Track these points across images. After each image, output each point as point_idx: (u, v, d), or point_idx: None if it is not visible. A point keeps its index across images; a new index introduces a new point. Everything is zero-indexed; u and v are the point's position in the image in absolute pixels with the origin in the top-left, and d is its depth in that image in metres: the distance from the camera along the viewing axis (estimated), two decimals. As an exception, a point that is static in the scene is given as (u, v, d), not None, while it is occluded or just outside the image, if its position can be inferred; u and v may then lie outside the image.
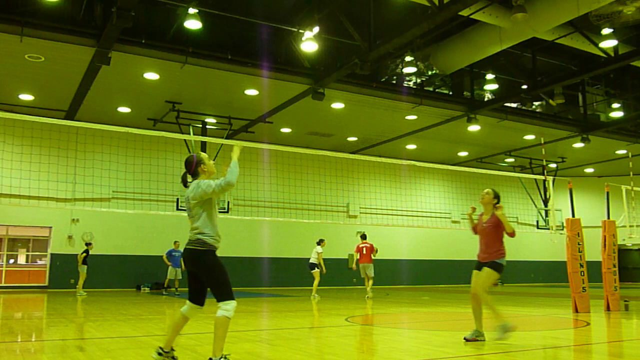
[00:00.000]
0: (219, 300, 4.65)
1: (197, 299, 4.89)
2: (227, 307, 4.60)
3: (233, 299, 4.66)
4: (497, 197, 6.75)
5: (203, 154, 5.05)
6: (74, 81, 15.90)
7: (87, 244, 17.60)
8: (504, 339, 6.15)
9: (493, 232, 6.53)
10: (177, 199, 18.03)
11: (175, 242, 18.39)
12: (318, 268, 16.43)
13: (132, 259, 20.51)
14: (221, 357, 4.56)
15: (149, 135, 13.11)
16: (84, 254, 17.26)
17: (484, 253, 6.57)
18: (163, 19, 14.52)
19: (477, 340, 6.38)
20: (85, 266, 17.27)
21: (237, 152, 4.89)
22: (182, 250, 15.59)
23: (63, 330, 7.79)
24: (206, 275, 4.71)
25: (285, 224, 21.71)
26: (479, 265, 6.59)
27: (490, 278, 6.41)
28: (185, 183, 5.00)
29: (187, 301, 4.91)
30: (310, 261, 16.43)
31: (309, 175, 20.63)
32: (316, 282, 16.51)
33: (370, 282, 16.31)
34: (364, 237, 16.83)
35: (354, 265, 16.65)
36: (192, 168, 4.94)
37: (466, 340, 6.40)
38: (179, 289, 18.27)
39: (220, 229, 4.86)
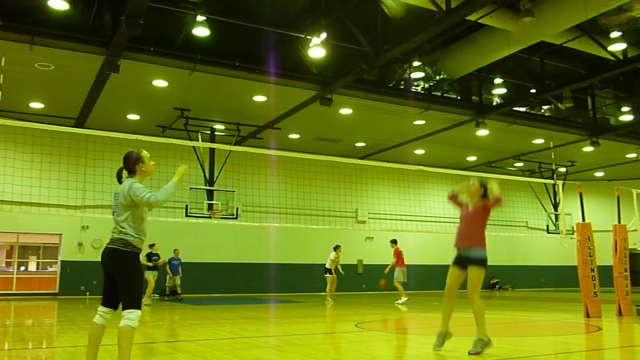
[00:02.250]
0: (125, 308, 4.43)
1: (112, 301, 4.64)
2: (132, 317, 4.40)
3: (140, 308, 4.46)
4: (483, 186, 6.37)
5: (144, 152, 4.88)
6: (83, 89, 16.01)
7: (151, 246, 16.64)
8: (476, 353, 5.81)
9: (476, 219, 6.21)
10: (186, 206, 18.08)
11: (175, 250, 18.73)
12: (330, 273, 16.66)
13: (142, 266, 20.55)
14: None
15: (157, 142, 13.07)
16: (155, 258, 16.47)
17: (464, 236, 6.21)
18: (171, 26, 14.60)
19: (443, 345, 6.14)
20: (155, 272, 16.47)
21: (179, 174, 4.77)
22: (180, 258, 15.53)
23: (74, 337, 7.82)
24: (122, 278, 4.48)
25: (293, 229, 21.71)
26: (460, 259, 6.22)
27: (480, 279, 6.10)
28: (119, 179, 4.80)
29: (100, 307, 4.66)
30: (325, 266, 16.89)
31: (318, 181, 20.63)
32: (328, 287, 16.65)
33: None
34: (395, 242, 17.22)
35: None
36: (130, 164, 4.79)
37: (436, 348, 6.12)
38: (181, 294, 18.70)
39: (146, 229, 4.69)
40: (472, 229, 6.21)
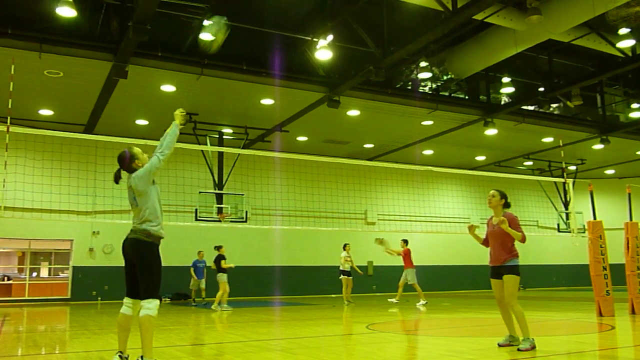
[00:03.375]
0: (144, 297, 4.53)
1: (136, 291, 4.73)
2: (151, 306, 4.52)
3: (159, 298, 4.61)
4: (504, 197, 6.61)
5: (136, 148, 5.00)
6: (92, 95, 16.11)
7: (218, 248, 15.80)
8: (523, 351, 6.04)
9: (503, 233, 6.43)
10: (196, 210, 18.11)
11: (199, 252, 18.13)
12: (345, 275, 16.72)
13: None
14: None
15: (166, 147, 13.20)
16: (222, 260, 15.54)
17: (497, 256, 6.49)
18: (178, 31, 14.66)
19: (512, 345, 6.34)
20: (225, 274, 15.42)
21: (179, 117, 4.86)
22: (205, 260, 15.24)
23: (86, 342, 7.86)
24: (143, 268, 4.58)
25: (303, 232, 21.73)
26: (494, 272, 6.54)
27: (515, 285, 6.39)
28: (117, 179, 4.94)
29: (125, 298, 4.74)
30: (340, 268, 17.06)
31: (326, 183, 20.65)
32: (344, 288, 16.59)
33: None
34: (406, 241, 16.91)
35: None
36: (126, 163, 4.91)
37: (500, 345, 6.37)
38: (205, 298, 18.20)
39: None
40: (503, 244, 6.50)
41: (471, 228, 6.78)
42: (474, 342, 7.18)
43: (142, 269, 4.59)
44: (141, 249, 4.60)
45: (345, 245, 17.10)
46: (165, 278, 18.29)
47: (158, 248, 4.65)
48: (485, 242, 6.81)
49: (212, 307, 15.11)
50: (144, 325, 4.47)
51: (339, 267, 17.20)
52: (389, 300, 16.94)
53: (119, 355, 4.69)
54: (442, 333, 9.00)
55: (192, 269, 17.88)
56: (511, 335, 6.46)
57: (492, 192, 6.69)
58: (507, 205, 6.62)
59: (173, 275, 20.66)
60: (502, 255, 6.42)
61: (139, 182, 4.65)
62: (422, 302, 15.75)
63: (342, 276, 17.04)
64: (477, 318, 11.09)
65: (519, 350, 6.07)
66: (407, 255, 16.54)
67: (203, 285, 18.00)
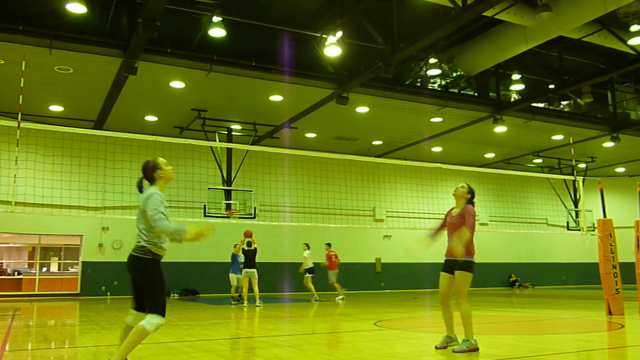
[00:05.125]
0: (149, 312, 4.51)
1: (142, 305, 4.70)
2: (152, 321, 4.45)
3: (163, 315, 4.52)
4: (471, 192, 6.40)
5: (160, 159, 4.92)
6: (102, 91, 16.18)
7: (249, 244, 15.29)
8: (458, 352, 5.82)
9: (460, 225, 6.17)
10: (205, 206, 18.17)
11: (235, 245, 16.53)
12: (309, 273, 17.37)
13: (161, 265, 20.67)
14: None
15: (175, 143, 13.20)
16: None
17: (453, 248, 6.17)
18: (188, 28, 14.69)
19: (449, 346, 6.13)
20: (254, 270, 15.03)
21: (195, 234, 4.65)
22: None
23: (95, 337, 7.91)
24: (143, 285, 4.58)
25: (311, 229, 21.73)
26: (447, 265, 6.28)
27: (466, 283, 6.12)
28: (140, 189, 4.84)
29: (130, 309, 4.73)
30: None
31: (335, 180, 20.64)
32: (310, 285, 17.25)
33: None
34: (329, 245, 17.93)
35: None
36: (148, 173, 4.84)
37: (437, 348, 6.14)
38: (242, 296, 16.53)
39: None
40: (460, 238, 6.12)
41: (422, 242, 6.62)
42: (481, 339, 7.16)
43: (143, 286, 4.61)
44: (139, 266, 4.57)
45: (306, 245, 17.67)
46: (173, 274, 18.48)
47: (157, 264, 4.61)
48: (434, 232, 6.60)
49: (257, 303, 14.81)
50: (135, 331, 4.43)
51: (301, 264, 17.53)
52: (337, 300, 17.06)
53: None
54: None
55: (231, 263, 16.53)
56: (449, 336, 6.25)
57: (462, 184, 6.51)
58: (471, 201, 6.37)
59: (182, 272, 20.79)
60: (458, 248, 6.06)
61: (142, 207, 4.61)
62: (341, 297, 17.16)
63: (307, 274, 17.39)
64: (484, 315, 11.05)
65: (454, 351, 5.86)
66: (330, 257, 17.55)
67: (241, 283, 16.17)
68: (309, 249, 17.63)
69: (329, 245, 17.89)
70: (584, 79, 17.66)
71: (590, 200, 21.16)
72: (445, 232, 6.53)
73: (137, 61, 13.54)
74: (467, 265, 6.10)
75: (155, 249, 4.61)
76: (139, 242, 4.62)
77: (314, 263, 17.65)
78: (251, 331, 9.18)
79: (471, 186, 6.49)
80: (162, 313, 4.52)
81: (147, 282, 4.58)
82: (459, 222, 6.21)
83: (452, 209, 6.49)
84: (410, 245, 16.41)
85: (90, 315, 12.13)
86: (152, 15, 11.43)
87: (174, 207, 19.82)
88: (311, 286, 17.27)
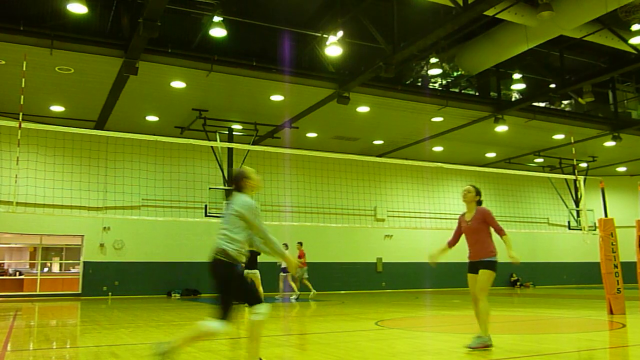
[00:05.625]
0: (250, 304, 4.62)
1: (227, 315, 4.72)
2: (259, 312, 4.58)
3: (262, 301, 4.63)
4: (478, 193, 6.54)
5: (249, 168, 4.98)
6: (102, 91, 16.19)
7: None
8: (473, 350, 5.90)
9: (479, 228, 6.32)
10: (206, 206, 18.18)
11: None
12: (285, 272, 17.46)
13: (162, 265, 20.74)
14: None
15: (176, 143, 13.24)
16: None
17: (476, 252, 6.35)
18: (188, 28, 14.70)
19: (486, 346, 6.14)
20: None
21: (293, 264, 4.97)
22: None
23: (97, 337, 7.91)
24: (224, 287, 4.61)
25: (312, 228, 21.74)
26: (473, 267, 6.39)
27: (489, 280, 6.23)
28: (229, 199, 4.90)
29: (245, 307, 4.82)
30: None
31: (336, 180, 20.64)
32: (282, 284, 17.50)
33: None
34: (301, 243, 18.38)
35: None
36: (238, 182, 4.88)
37: (471, 348, 6.11)
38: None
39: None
40: (479, 240, 6.32)
41: (432, 257, 6.77)
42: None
43: (225, 289, 4.62)
44: (219, 269, 4.59)
45: (285, 245, 17.49)
46: (174, 274, 18.53)
47: (237, 268, 4.60)
48: (453, 240, 6.70)
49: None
50: (251, 328, 4.62)
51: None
52: (309, 299, 17.09)
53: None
54: (452, 330, 8.98)
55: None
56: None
57: (467, 187, 6.60)
58: (480, 202, 6.52)
59: (184, 271, 20.81)
60: (481, 251, 6.28)
61: (239, 209, 4.65)
62: (295, 296, 17.21)
63: (282, 273, 17.57)
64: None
65: (468, 347, 5.95)
66: (302, 256, 17.85)
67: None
68: (287, 249, 17.59)
69: (300, 244, 18.22)
70: (585, 78, 17.65)
71: (592, 200, 21.15)
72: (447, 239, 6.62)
73: (138, 61, 13.54)
74: (491, 264, 6.25)
75: (237, 256, 4.61)
76: (220, 245, 4.61)
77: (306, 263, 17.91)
78: (252, 331, 9.17)
79: (475, 186, 6.59)
80: (259, 301, 4.60)
81: (227, 285, 4.60)
82: (477, 227, 6.35)
83: (464, 213, 6.61)
84: (431, 252, 16.35)
85: (91, 315, 12.13)
86: (153, 15, 11.43)
87: (175, 207, 19.86)
88: (292, 283, 17.50)
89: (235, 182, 4.89)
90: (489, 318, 6.15)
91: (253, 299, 4.63)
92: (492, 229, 6.37)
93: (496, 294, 20.28)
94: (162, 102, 17.54)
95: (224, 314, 4.55)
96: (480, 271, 6.24)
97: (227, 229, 4.67)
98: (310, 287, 17.34)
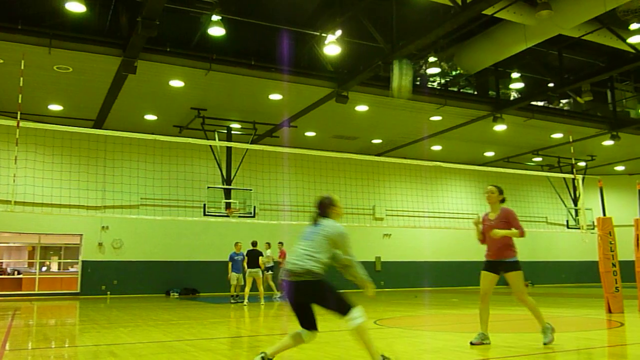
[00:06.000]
0: (344, 315, 4.66)
1: (312, 324, 4.87)
2: (354, 316, 4.62)
3: (353, 306, 4.67)
4: (501, 192, 6.62)
5: (335, 195, 5.19)
6: (101, 90, 16.17)
7: (254, 244, 15.66)
8: (550, 342, 6.13)
9: (503, 228, 6.36)
10: (204, 205, 18.17)
11: (236, 243, 16.41)
12: (269, 270, 17.14)
13: (161, 264, 20.74)
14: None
15: (175, 142, 13.21)
16: (239, 257, 15.67)
17: (497, 251, 6.41)
18: (187, 27, 14.69)
19: (483, 344, 6.27)
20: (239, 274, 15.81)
21: (368, 284, 5.06)
22: (243, 253, 14.86)
23: (95, 336, 7.91)
24: (322, 302, 4.72)
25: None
26: (491, 266, 6.46)
27: (521, 279, 6.35)
28: (315, 223, 5.03)
29: (301, 329, 4.89)
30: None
31: (335, 179, 20.61)
32: (265, 284, 16.64)
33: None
34: (282, 243, 18.26)
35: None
36: (325, 208, 5.09)
37: (472, 344, 6.26)
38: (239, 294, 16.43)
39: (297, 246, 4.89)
40: (501, 240, 6.40)
41: (477, 223, 6.71)
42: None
43: (322, 304, 4.74)
44: (312, 290, 4.69)
45: (268, 244, 17.71)
46: (173, 273, 18.52)
47: (325, 279, 4.73)
48: (483, 239, 6.71)
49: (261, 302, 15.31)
50: (357, 334, 4.65)
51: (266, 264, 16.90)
52: (275, 298, 16.89)
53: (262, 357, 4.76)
54: (451, 329, 8.99)
55: (229, 263, 16.17)
56: (484, 333, 6.38)
57: (490, 188, 6.66)
58: (503, 200, 6.60)
59: (182, 270, 20.81)
60: (502, 251, 6.36)
61: (330, 235, 4.81)
62: (279, 295, 17.00)
63: (266, 272, 17.04)
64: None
65: (544, 344, 6.10)
66: (283, 256, 17.74)
67: (242, 282, 16.27)
68: (269, 248, 17.69)
69: (281, 244, 18.12)
70: (583, 77, 17.66)
71: (590, 199, 21.17)
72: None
73: (137, 60, 13.53)
74: (517, 265, 6.38)
75: (322, 271, 4.73)
76: (305, 266, 4.68)
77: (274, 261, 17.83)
78: (252, 330, 9.19)
79: (497, 185, 6.67)
80: (352, 306, 4.66)
81: (325, 298, 4.71)
82: (501, 226, 6.40)
83: (488, 213, 6.67)
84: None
85: (90, 314, 12.13)
86: (152, 14, 11.42)
87: (173, 206, 19.84)
88: (272, 283, 17.48)
89: (321, 208, 5.10)
90: (539, 309, 6.37)
91: (345, 307, 4.67)
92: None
93: (495, 292, 20.29)
94: (160, 101, 17.52)
95: (347, 305, 4.64)
96: (511, 275, 6.34)
97: (312, 251, 4.75)
98: (262, 290, 16.21)
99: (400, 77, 9.47)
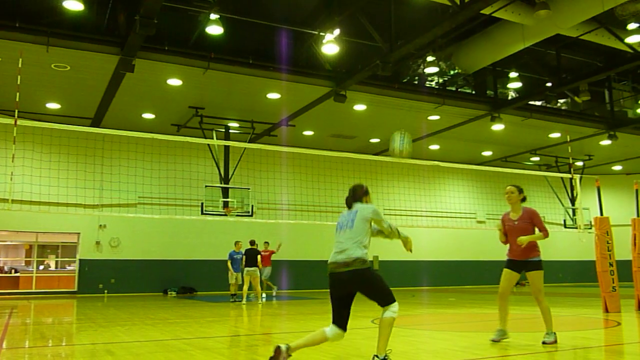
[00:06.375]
0: (384, 305, 4.77)
1: (344, 323, 4.88)
2: (394, 309, 4.75)
3: (395, 300, 4.78)
4: (521, 191, 6.65)
5: (368, 188, 5.37)
6: (99, 89, 16.15)
7: (252, 242, 15.63)
8: (549, 344, 6.15)
9: (525, 228, 6.39)
10: (202, 204, 18.16)
11: (236, 242, 16.41)
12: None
13: (159, 263, 20.72)
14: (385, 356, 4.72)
15: (173, 140, 13.23)
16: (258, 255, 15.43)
17: (522, 251, 6.38)
18: (185, 25, 14.66)
19: (502, 340, 6.38)
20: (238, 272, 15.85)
21: (409, 242, 5.28)
22: (242, 252, 14.74)
23: (93, 335, 7.90)
24: (370, 291, 4.78)
25: (308, 226, 21.75)
26: (515, 265, 6.49)
27: (542, 280, 6.42)
28: (349, 206, 5.16)
29: (332, 326, 4.90)
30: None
31: (332, 178, 20.58)
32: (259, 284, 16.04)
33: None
34: (267, 243, 17.89)
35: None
36: (359, 195, 5.20)
37: (493, 341, 6.36)
38: (237, 293, 16.41)
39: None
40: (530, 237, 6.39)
41: (499, 228, 6.78)
42: (479, 337, 7.18)
43: (369, 292, 4.80)
44: (362, 278, 4.72)
45: (267, 243, 17.66)
46: (171, 272, 18.48)
47: (372, 266, 4.83)
48: (506, 240, 6.71)
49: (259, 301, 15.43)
50: (384, 323, 4.75)
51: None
52: (263, 299, 16.59)
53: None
54: (448, 328, 9.00)
55: (229, 262, 16.17)
56: (502, 330, 6.45)
57: (509, 188, 6.63)
58: (524, 199, 6.63)
59: (180, 269, 20.79)
60: (529, 251, 6.38)
61: (365, 216, 4.92)
62: (264, 296, 16.74)
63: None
64: (482, 313, 11.09)
65: (543, 343, 6.13)
66: (269, 255, 17.59)
67: (240, 281, 16.13)
68: (268, 247, 17.75)
69: (267, 243, 17.86)
70: (581, 77, 17.69)
71: (588, 198, 21.22)
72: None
73: (135, 58, 13.52)
74: (539, 264, 6.42)
75: (367, 257, 4.79)
76: (352, 254, 4.72)
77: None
78: (249, 329, 9.19)
79: (516, 185, 6.69)
80: (394, 300, 4.76)
81: (373, 287, 4.78)
82: (524, 226, 6.43)
83: (509, 212, 6.67)
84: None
85: (87, 313, 12.12)
86: (150, 12, 11.41)
87: (171, 204, 19.82)
88: (270, 282, 17.62)
89: (356, 194, 5.22)
90: (550, 314, 6.39)
91: (389, 299, 4.76)
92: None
93: (493, 291, 20.32)
94: (158, 99, 17.51)
95: (390, 297, 4.74)
96: (532, 273, 6.38)
97: (357, 238, 4.82)
98: (260, 290, 15.83)
99: (402, 144, 9.71)
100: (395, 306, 4.74)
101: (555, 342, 6.20)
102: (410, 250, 5.30)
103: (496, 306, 6.61)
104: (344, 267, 4.70)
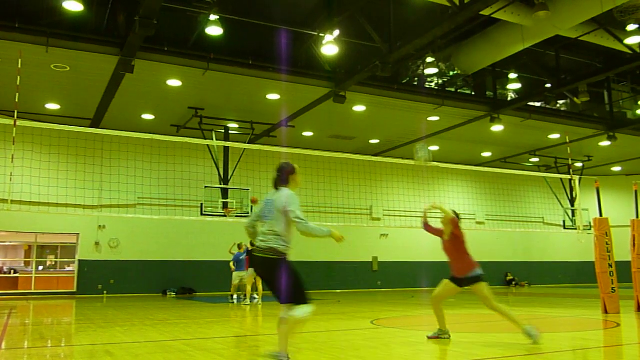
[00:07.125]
0: (285, 302, 4.66)
1: (279, 298, 4.82)
2: (300, 312, 4.62)
3: (306, 302, 4.66)
4: (456, 214, 6.97)
5: (297, 166, 5.11)
6: (98, 90, 16.15)
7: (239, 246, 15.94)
8: (536, 342, 6.15)
9: (452, 246, 6.77)
10: (201, 204, 18.15)
11: (240, 244, 16.47)
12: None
13: (158, 264, 20.71)
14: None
15: (172, 141, 13.20)
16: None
17: (457, 268, 6.74)
18: (185, 26, 14.66)
19: (440, 338, 6.72)
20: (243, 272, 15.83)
21: (337, 235, 4.89)
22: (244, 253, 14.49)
23: (92, 336, 7.90)
24: (279, 282, 4.69)
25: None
26: (455, 280, 6.79)
27: (487, 289, 6.56)
28: (277, 186, 4.99)
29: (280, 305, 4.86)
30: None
31: (332, 179, 20.62)
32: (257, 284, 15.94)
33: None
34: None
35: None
36: (286, 175, 4.99)
37: (429, 338, 6.74)
38: (236, 294, 16.57)
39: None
40: (457, 258, 6.79)
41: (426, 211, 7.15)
42: (478, 338, 7.18)
43: (277, 285, 4.71)
44: (271, 267, 4.69)
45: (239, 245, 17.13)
46: (170, 273, 18.46)
47: (287, 260, 4.73)
48: (427, 227, 7.47)
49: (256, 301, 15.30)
50: (286, 324, 4.69)
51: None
52: (254, 301, 16.40)
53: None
54: (448, 329, 8.97)
55: (232, 263, 16.36)
56: (440, 329, 6.79)
57: (444, 211, 7.00)
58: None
59: (179, 270, 20.79)
60: (462, 268, 6.65)
61: (280, 202, 4.75)
62: (255, 297, 15.93)
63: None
64: (481, 314, 11.08)
65: (532, 343, 6.16)
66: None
67: (244, 281, 16.12)
68: (240, 249, 17.35)
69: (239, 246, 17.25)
70: (580, 78, 17.70)
71: (587, 199, 21.21)
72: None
73: (134, 59, 13.52)
74: (478, 278, 6.58)
75: (283, 249, 4.73)
76: (266, 242, 4.71)
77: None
78: (248, 329, 9.19)
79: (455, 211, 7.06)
80: (304, 302, 4.64)
81: (280, 280, 4.68)
82: (450, 246, 6.96)
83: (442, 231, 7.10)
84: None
85: (86, 313, 12.12)
86: (149, 13, 11.41)
87: (170, 205, 19.83)
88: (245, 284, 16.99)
89: (282, 174, 4.98)
90: (512, 314, 6.52)
91: (297, 298, 4.66)
92: None
93: (494, 292, 20.33)
94: (158, 100, 17.51)
95: (299, 298, 4.63)
96: (476, 287, 6.56)
97: (274, 229, 4.75)
98: (262, 289, 15.65)
99: (425, 155, 9.98)
100: (300, 310, 4.59)
101: (538, 334, 6.22)
102: (341, 240, 4.92)
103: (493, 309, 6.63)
104: (259, 252, 4.74)
